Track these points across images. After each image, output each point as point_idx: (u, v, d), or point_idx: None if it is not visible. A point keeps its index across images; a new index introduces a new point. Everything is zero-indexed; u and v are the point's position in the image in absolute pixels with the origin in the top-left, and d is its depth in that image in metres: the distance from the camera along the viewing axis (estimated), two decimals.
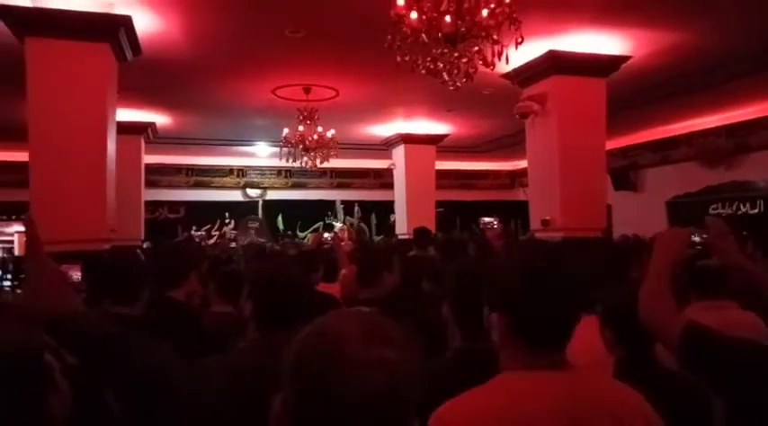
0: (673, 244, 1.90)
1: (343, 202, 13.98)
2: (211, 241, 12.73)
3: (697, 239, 2.11)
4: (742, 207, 9.87)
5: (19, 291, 1.20)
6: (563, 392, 1.27)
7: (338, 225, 13.17)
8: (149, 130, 9.24)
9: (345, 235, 11.37)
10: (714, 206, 10.33)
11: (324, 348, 0.93)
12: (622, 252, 4.84)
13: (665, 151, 11.00)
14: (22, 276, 0.92)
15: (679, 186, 10.82)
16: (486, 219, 12.54)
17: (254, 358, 1.59)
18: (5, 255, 1.61)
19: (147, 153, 9.64)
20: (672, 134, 10.56)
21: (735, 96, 8.17)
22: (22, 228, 1.61)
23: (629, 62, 6.29)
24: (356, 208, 14.22)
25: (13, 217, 1.63)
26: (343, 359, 0.90)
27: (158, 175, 12.35)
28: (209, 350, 1.85)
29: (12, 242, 1.66)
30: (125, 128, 6.12)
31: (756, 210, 9.60)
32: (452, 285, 1.90)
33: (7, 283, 1.41)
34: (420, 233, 5.91)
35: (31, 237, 1.07)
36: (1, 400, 0.93)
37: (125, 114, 7.08)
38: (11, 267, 1.48)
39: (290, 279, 1.86)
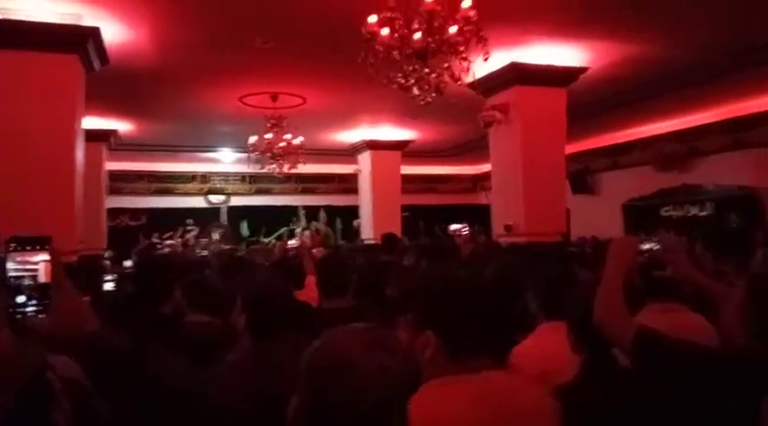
0: (624, 253, 2.05)
1: (305, 208, 14.01)
2: (167, 249, 12.37)
3: (646, 247, 2.29)
4: (692, 209, 10.34)
5: (42, 316, 1.22)
6: (489, 392, 1.42)
7: (299, 230, 13.17)
8: (112, 138, 9.12)
9: (310, 241, 11.42)
10: (666, 208, 10.79)
11: (332, 358, 1.07)
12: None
13: (621, 155, 11.41)
14: (47, 301, 0.98)
15: (634, 189, 11.26)
16: (456, 226, 12.82)
17: (256, 365, 1.68)
18: (31, 283, 1.62)
19: (108, 159, 9.50)
20: (627, 139, 10.97)
21: (686, 104, 8.57)
22: (46, 257, 1.63)
23: (587, 73, 6.57)
24: (321, 213, 14.26)
25: (37, 247, 1.65)
26: (350, 367, 1.04)
27: (119, 182, 12.15)
28: (199, 362, 1.92)
29: (37, 270, 1.67)
30: (88, 136, 6.05)
31: (705, 213, 10.07)
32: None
33: (32, 308, 1.43)
34: (388, 239, 6.02)
35: (55, 266, 1.15)
36: (9, 419, 1.01)
37: (88, 122, 6.98)
38: (36, 293, 1.50)
39: (280, 290, 1.96)
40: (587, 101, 7.83)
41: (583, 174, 12.07)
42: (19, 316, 1.10)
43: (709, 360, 1.75)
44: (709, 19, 5.41)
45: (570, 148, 10.58)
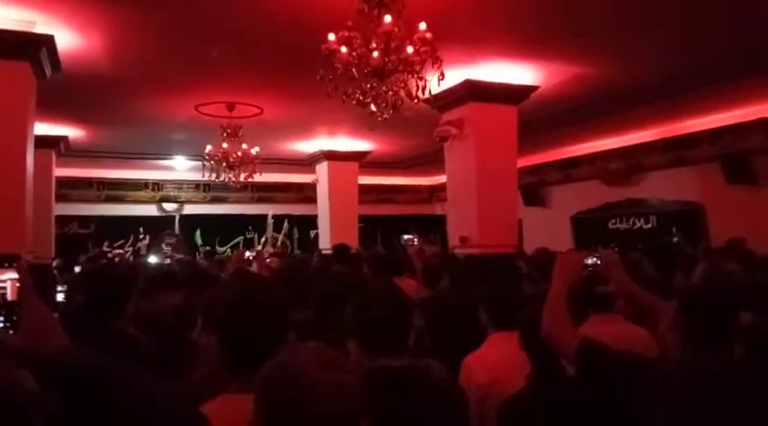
0: (569, 268, 2.18)
1: (261, 217, 13.88)
2: (117, 258, 12.00)
3: (590, 261, 2.44)
4: (637, 222, 10.78)
5: (11, 332, 1.21)
6: None
7: (264, 239, 13.04)
8: (62, 144, 8.88)
9: (271, 250, 11.35)
10: (613, 221, 11.20)
11: (290, 378, 1.12)
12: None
13: (569, 170, 11.80)
14: (14, 318, 1.00)
15: (582, 202, 11.66)
16: (407, 236, 12.97)
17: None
18: None
19: (56, 166, 9.24)
20: (575, 154, 11.37)
21: (631, 122, 8.95)
22: (14, 275, 1.60)
23: (537, 91, 6.82)
24: (285, 224, 14.14)
25: (6, 265, 1.63)
26: (309, 386, 1.10)
27: (68, 189, 11.74)
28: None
29: (4, 288, 1.65)
30: (37, 142, 5.88)
31: (649, 225, 10.51)
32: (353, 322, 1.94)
33: (0, 325, 1.42)
34: (339, 249, 6.07)
35: (23, 283, 1.17)
36: None
37: (37, 128, 6.82)
38: (3, 311, 1.48)
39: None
40: (539, 117, 8.11)
41: (535, 187, 12.43)
42: None
43: (645, 369, 1.88)
44: (652, 44, 5.73)
45: (525, 161, 10.92)
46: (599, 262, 2.50)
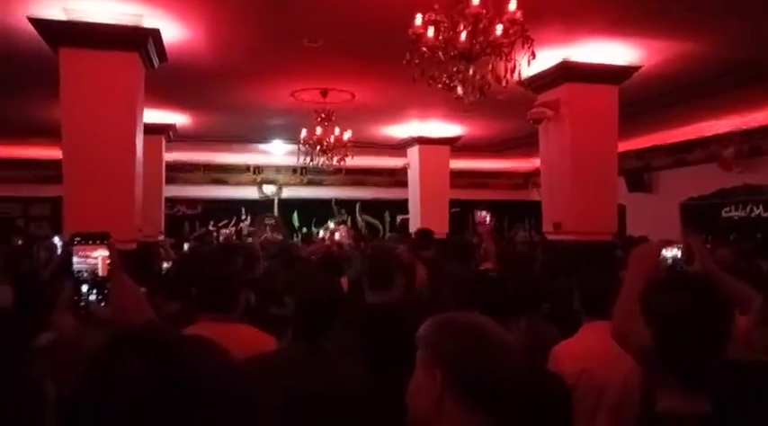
0: (644, 260, 2.01)
1: (337, 202, 14.16)
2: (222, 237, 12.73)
3: (670, 254, 2.18)
4: (755, 209, 9.94)
5: (103, 304, 1.38)
6: None
7: (332, 225, 13.22)
8: (170, 131, 9.48)
9: (344, 234, 11.53)
10: (727, 208, 10.40)
11: (472, 333, 1.27)
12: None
13: (679, 154, 11.03)
14: (105, 292, 1.12)
15: (692, 188, 10.88)
16: (481, 213, 12.58)
17: (299, 363, 1.82)
18: (91, 276, 1.81)
19: (166, 150, 9.89)
20: (685, 137, 10.57)
21: (747, 101, 8.20)
22: (105, 252, 1.79)
23: (641, 70, 6.39)
24: (357, 206, 14.36)
25: (98, 242, 1.85)
26: (491, 341, 1.26)
27: (176, 172, 12.53)
28: None
29: (96, 264, 1.87)
30: (148, 129, 6.32)
31: None
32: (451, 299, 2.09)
33: (93, 297, 1.63)
34: (423, 235, 6.04)
35: (113, 260, 1.27)
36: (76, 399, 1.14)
37: (148, 115, 7.33)
38: (96, 285, 1.69)
39: (335, 294, 2.11)
40: (643, 97, 7.62)
41: (640, 172, 11.74)
42: (82, 304, 1.23)
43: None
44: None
45: (628, 145, 10.31)
46: (680, 256, 2.28)
